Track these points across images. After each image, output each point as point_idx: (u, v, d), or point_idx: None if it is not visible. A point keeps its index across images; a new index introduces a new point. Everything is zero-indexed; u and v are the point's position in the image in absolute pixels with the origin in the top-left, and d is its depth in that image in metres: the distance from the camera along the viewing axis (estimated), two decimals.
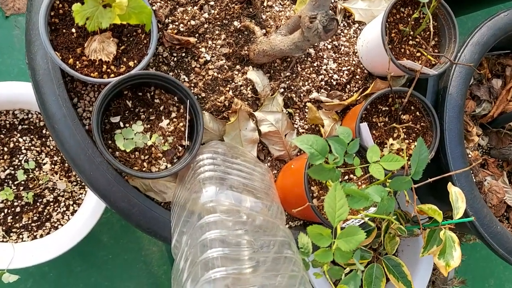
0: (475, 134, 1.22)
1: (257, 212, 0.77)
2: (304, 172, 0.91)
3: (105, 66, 0.85)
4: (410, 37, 1.09)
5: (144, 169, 0.87)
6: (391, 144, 1.01)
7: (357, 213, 0.93)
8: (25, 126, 1.16)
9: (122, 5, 0.59)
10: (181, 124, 0.90)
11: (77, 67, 0.83)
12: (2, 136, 1.14)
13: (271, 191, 0.87)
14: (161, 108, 0.91)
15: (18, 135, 1.15)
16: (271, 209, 0.81)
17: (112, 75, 0.85)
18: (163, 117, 0.88)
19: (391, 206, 0.88)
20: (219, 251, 0.62)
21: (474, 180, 1.21)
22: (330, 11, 0.75)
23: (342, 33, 1.19)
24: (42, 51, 0.88)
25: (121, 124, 0.87)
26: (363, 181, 1.00)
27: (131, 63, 0.86)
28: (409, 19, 1.07)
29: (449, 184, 1.08)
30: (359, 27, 1.21)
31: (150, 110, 0.90)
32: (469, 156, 1.20)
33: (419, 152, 0.86)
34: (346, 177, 1.02)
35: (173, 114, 0.91)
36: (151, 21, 0.64)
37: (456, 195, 1.08)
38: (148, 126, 0.89)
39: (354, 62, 1.17)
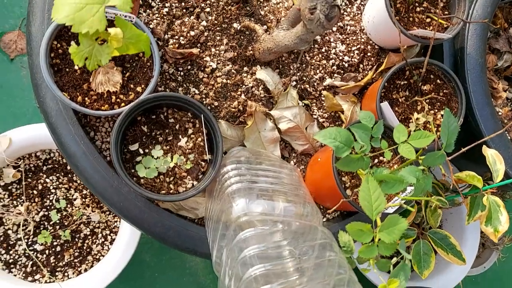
0: (502, 89, 1.16)
1: (291, 216, 0.75)
2: (332, 165, 0.89)
3: (114, 97, 0.84)
4: (417, 3, 1.04)
5: (171, 191, 0.87)
6: (417, 119, 0.97)
7: (395, 196, 0.90)
8: (50, 166, 1.17)
9: (118, 38, 0.58)
10: (199, 139, 0.89)
11: (86, 103, 0.82)
12: (29, 180, 1.15)
13: (301, 191, 0.85)
14: (177, 127, 0.90)
15: (45, 176, 1.17)
16: (305, 210, 0.79)
17: (123, 104, 0.84)
18: (180, 136, 0.87)
19: (429, 184, 0.84)
20: (260, 268, 0.61)
21: (509, 137, 1.16)
22: None
23: (345, 13, 1.15)
24: (50, 93, 0.88)
25: (141, 151, 0.87)
26: (395, 163, 0.97)
27: (139, 88, 0.85)
28: None
29: (484, 147, 1.03)
30: (362, 3, 1.16)
31: (167, 131, 0.89)
32: (499, 113, 1.15)
33: (448, 124, 0.82)
34: (376, 160, 0.99)
35: (190, 131, 0.90)
36: (150, 47, 0.62)
37: (493, 157, 1.03)
38: (168, 147, 0.88)
39: (363, 40, 1.13)
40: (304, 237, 0.71)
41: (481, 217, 1.03)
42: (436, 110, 1.03)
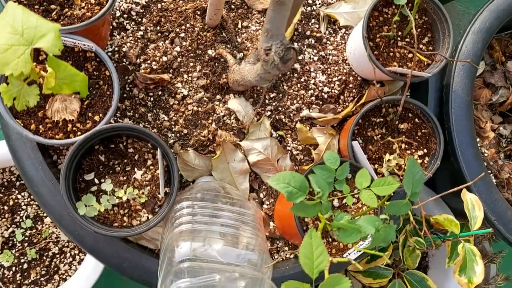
0: (490, 129, 1.11)
1: (240, 264, 0.72)
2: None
3: (70, 125, 0.82)
4: (399, 38, 1.00)
5: (125, 223, 0.84)
6: (388, 160, 0.92)
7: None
8: (22, 181, 1.16)
9: (51, 80, 0.56)
10: (158, 171, 0.87)
11: (40, 131, 0.81)
12: (1, 195, 1.15)
13: (259, 237, 0.81)
14: (136, 157, 0.87)
15: (17, 191, 1.16)
16: (258, 258, 0.76)
17: (79, 133, 0.82)
18: (135, 169, 0.85)
19: (390, 234, 0.80)
20: None
21: (495, 180, 1.10)
22: (286, 40, 0.69)
23: (328, 42, 1.11)
24: None
25: (96, 181, 0.85)
26: (361, 206, 0.93)
27: (96, 118, 0.83)
28: (393, 20, 0.98)
29: (464, 191, 0.98)
30: (346, 32, 1.12)
31: (125, 160, 0.87)
32: (485, 154, 1.10)
33: (412, 173, 0.78)
34: (345, 200, 0.95)
35: (149, 162, 0.87)
36: (86, 87, 0.60)
37: (472, 203, 0.98)
38: (125, 178, 0.86)
39: (345, 71, 1.09)
40: None
41: (455, 266, 0.98)
42: (413, 150, 0.98)
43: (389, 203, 0.81)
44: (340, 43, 1.11)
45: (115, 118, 0.97)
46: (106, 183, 0.81)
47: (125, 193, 0.82)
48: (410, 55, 0.99)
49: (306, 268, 0.65)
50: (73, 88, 0.59)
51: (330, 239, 0.91)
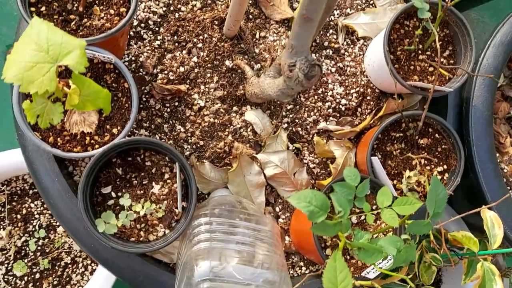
0: (509, 144, 1.09)
1: (259, 283, 0.70)
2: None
3: (88, 138, 0.81)
4: (420, 51, 0.98)
5: (141, 238, 0.83)
6: (408, 177, 0.91)
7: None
8: (36, 190, 1.16)
9: (74, 97, 0.55)
10: (175, 185, 0.85)
11: (58, 144, 0.80)
12: (14, 203, 1.14)
13: (276, 254, 0.80)
14: (153, 170, 0.86)
15: (30, 200, 1.15)
16: (275, 277, 0.75)
17: (97, 146, 0.81)
18: (153, 183, 0.84)
19: (411, 255, 0.78)
20: None
21: None
22: (310, 56, 0.67)
23: (346, 53, 1.10)
24: None
25: (113, 194, 0.84)
26: (381, 223, 0.91)
27: (115, 130, 0.82)
28: (414, 33, 0.96)
29: (483, 209, 0.96)
30: (365, 43, 1.11)
31: (142, 174, 0.86)
32: (505, 170, 1.08)
33: (436, 192, 0.76)
34: (363, 217, 0.93)
35: (166, 175, 0.86)
36: (109, 104, 0.59)
37: (492, 221, 0.96)
38: (142, 192, 0.85)
39: (363, 83, 1.07)
40: None
41: (474, 284, 0.96)
42: (433, 166, 0.97)
43: (411, 222, 0.80)
44: (358, 55, 1.10)
45: (132, 129, 0.96)
46: (124, 198, 0.80)
47: (143, 207, 0.81)
48: (431, 69, 0.98)
49: None
50: (96, 105, 0.58)
51: (348, 257, 0.90)
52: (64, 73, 0.79)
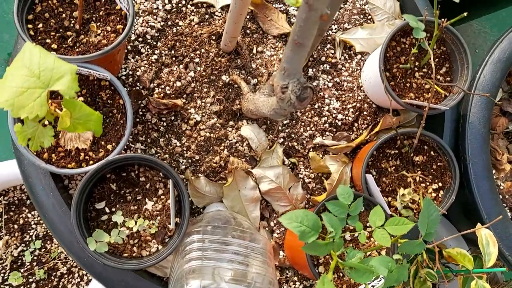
0: (506, 161, 1.08)
1: None
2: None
3: (82, 154, 0.82)
4: (416, 69, 0.98)
5: (134, 254, 0.84)
6: (402, 195, 0.91)
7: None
8: None
9: (66, 120, 0.56)
10: (169, 201, 0.86)
11: (53, 160, 0.80)
12: (11, 213, 1.15)
13: (268, 272, 0.80)
14: (148, 186, 0.87)
15: (27, 210, 1.16)
16: None
17: (91, 162, 0.82)
18: (147, 199, 0.84)
19: (403, 275, 0.78)
20: None
21: (511, 214, 1.08)
22: (303, 78, 0.68)
23: (343, 68, 1.10)
24: None
25: (107, 210, 0.84)
26: (373, 241, 0.91)
27: (109, 146, 0.83)
28: (411, 50, 0.96)
29: (478, 227, 0.96)
30: (362, 58, 1.11)
31: (136, 189, 0.86)
32: (501, 187, 1.07)
33: (428, 213, 0.76)
34: (357, 234, 0.93)
35: (160, 191, 0.87)
36: (101, 126, 0.60)
37: (487, 239, 0.96)
38: (135, 207, 0.85)
39: (360, 98, 1.08)
40: None
41: None
42: (428, 184, 0.97)
43: (403, 242, 0.80)
44: (355, 69, 1.10)
45: (128, 143, 0.97)
46: (117, 215, 0.80)
47: (136, 224, 0.81)
48: (427, 86, 0.98)
49: None
50: (87, 128, 0.58)
51: (341, 274, 0.90)
52: (57, 94, 0.79)
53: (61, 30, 0.84)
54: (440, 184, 0.97)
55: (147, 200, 0.84)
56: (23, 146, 0.57)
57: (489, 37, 1.90)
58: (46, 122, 0.63)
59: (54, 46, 0.82)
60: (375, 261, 0.76)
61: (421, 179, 0.96)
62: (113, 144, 0.83)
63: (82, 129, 0.59)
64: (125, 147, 0.95)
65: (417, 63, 0.98)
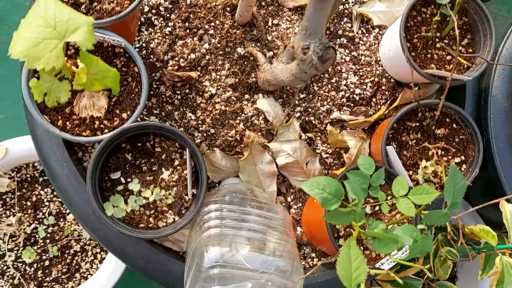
0: None
1: (269, 271, 0.69)
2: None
3: (97, 122, 0.80)
4: (437, 39, 0.95)
5: (150, 225, 0.82)
6: (425, 167, 0.88)
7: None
8: (46, 177, 1.15)
9: (82, 76, 0.54)
10: (185, 171, 0.84)
11: (67, 128, 0.79)
12: (24, 190, 1.14)
13: (288, 242, 0.78)
14: (163, 156, 0.85)
15: (40, 187, 1.15)
16: (286, 265, 0.73)
17: (106, 130, 0.80)
18: (163, 169, 0.82)
19: (428, 245, 0.76)
20: None
21: None
22: (325, 39, 0.65)
23: (361, 42, 1.07)
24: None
25: (122, 180, 0.82)
26: (396, 213, 0.89)
27: (124, 115, 0.81)
28: (432, 20, 0.93)
29: (502, 202, 0.93)
30: (380, 32, 1.08)
31: (152, 160, 0.85)
32: None
33: (453, 182, 0.74)
34: (377, 208, 0.91)
35: (176, 162, 0.85)
36: (118, 83, 0.58)
37: (511, 214, 0.93)
38: (151, 178, 0.83)
39: (378, 72, 1.05)
40: None
41: (492, 279, 0.93)
42: (450, 157, 0.94)
43: (427, 212, 0.77)
44: (373, 43, 1.07)
45: (142, 116, 0.95)
46: (134, 183, 0.78)
47: (152, 193, 0.79)
48: (448, 57, 0.95)
49: (344, 280, 0.61)
50: (104, 85, 0.56)
51: (362, 247, 0.87)
52: (73, 55, 0.78)
53: None
54: (462, 157, 0.94)
55: (163, 170, 0.82)
56: (39, 101, 0.55)
57: (505, 20, 1.85)
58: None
59: None
60: (400, 230, 0.73)
61: (443, 152, 0.93)
62: (128, 112, 0.81)
63: (100, 85, 0.57)
64: (139, 119, 0.93)
65: (438, 34, 0.95)
